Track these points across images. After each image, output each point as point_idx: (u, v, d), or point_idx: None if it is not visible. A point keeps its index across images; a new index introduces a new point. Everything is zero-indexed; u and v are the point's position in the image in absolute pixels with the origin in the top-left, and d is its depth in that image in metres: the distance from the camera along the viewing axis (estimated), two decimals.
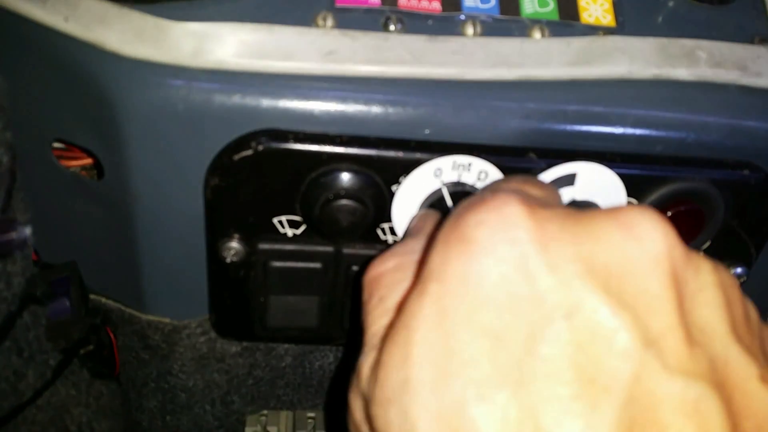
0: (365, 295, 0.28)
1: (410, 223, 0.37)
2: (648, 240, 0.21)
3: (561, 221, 0.22)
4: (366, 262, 0.40)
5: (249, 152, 0.36)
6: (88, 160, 0.43)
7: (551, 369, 0.20)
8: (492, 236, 0.21)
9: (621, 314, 0.20)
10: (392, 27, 0.36)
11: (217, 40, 0.34)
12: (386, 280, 0.27)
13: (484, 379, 0.20)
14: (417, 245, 0.28)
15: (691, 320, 0.21)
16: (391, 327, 0.23)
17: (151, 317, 0.45)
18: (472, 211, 0.22)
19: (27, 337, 0.43)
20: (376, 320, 0.25)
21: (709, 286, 0.22)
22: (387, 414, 0.21)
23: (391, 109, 0.36)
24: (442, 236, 0.23)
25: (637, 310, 0.20)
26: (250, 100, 0.35)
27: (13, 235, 0.32)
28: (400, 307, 0.23)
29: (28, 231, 0.32)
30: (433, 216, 0.34)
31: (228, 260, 0.39)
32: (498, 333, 0.20)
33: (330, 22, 0.35)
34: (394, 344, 0.22)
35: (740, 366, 0.21)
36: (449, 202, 0.36)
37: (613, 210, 0.22)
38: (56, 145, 0.42)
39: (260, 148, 0.35)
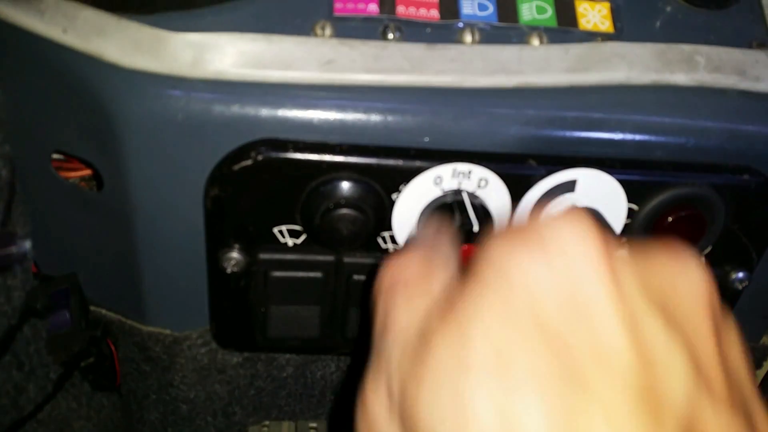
0: (386, 302, 0.27)
1: (419, 229, 0.37)
2: (696, 275, 0.22)
3: (617, 242, 0.23)
4: (367, 270, 0.40)
5: (249, 162, 0.35)
6: (88, 171, 0.43)
7: (616, 378, 0.20)
8: (566, 237, 0.22)
9: (677, 336, 0.21)
10: (391, 35, 0.36)
11: (216, 51, 0.34)
12: (413, 280, 0.26)
13: (546, 375, 0.20)
14: (441, 245, 0.28)
15: (725, 360, 0.22)
16: (441, 313, 0.23)
17: (151, 328, 0.45)
18: (540, 219, 0.23)
19: (27, 351, 0.42)
20: (407, 315, 0.25)
21: (735, 336, 0.24)
22: (436, 396, 0.21)
23: (390, 118, 0.35)
24: (505, 235, 0.23)
25: (687, 335, 0.21)
26: (250, 110, 0.35)
27: (13, 249, 0.32)
28: (448, 298, 0.23)
29: (27, 245, 0.32)
30: (444, 225, 0.34)
31: (228, 270, 0.39)
32: (562, 333, 0.20)
33: (328, 31, 0.36)
34: (449, 327, 0.22)
35: (761, 418, 0.22)
36: (470, 208, 0.36)
37: (663, 243, 0.23)
38: (55, 156, 0.42)
39: (260, 157, 0.35)
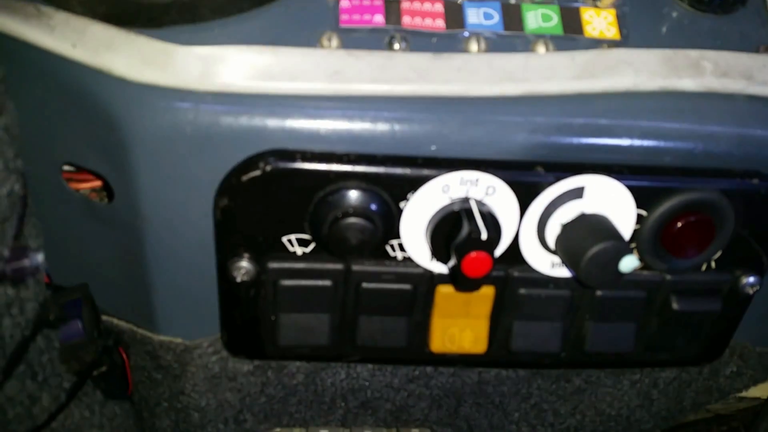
0: None
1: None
2: None
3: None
4: (375, 278, 0.40)
5: (257, 173, 0.36)
6: (98, 183, 0.43)
7: None
8: None
9: None
10: (397, 45, 0.36)
11: (224, 63, 0.34)
12: None
13: None
14: None
15: None
16: None
17: (162, 337, 0.45)
18: None
19: (41, 361, 0.43)
20: None
21: None
22: None
23: (397, 127, 0.36)
24: None
25: None
26: (258, 122, 0.35)
27: (26, 262, 0.32)
28: None
29: (40, 257, 0.33)
30: None
31: (238, 279, 0.40)
32: None
33: (335, 42, 0.36)
34: None
35: None
36: (478, 216, 0.36)
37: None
38: (66, 167, 0.42)
39: (268, 168, 0.36)
